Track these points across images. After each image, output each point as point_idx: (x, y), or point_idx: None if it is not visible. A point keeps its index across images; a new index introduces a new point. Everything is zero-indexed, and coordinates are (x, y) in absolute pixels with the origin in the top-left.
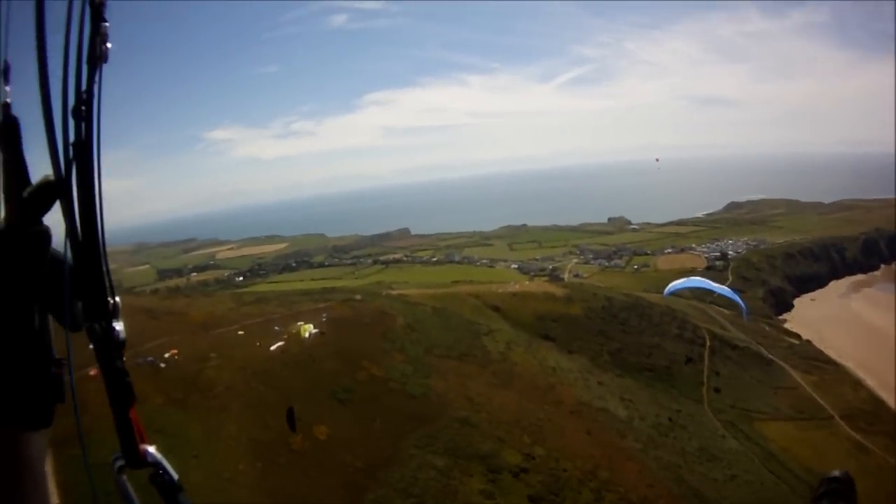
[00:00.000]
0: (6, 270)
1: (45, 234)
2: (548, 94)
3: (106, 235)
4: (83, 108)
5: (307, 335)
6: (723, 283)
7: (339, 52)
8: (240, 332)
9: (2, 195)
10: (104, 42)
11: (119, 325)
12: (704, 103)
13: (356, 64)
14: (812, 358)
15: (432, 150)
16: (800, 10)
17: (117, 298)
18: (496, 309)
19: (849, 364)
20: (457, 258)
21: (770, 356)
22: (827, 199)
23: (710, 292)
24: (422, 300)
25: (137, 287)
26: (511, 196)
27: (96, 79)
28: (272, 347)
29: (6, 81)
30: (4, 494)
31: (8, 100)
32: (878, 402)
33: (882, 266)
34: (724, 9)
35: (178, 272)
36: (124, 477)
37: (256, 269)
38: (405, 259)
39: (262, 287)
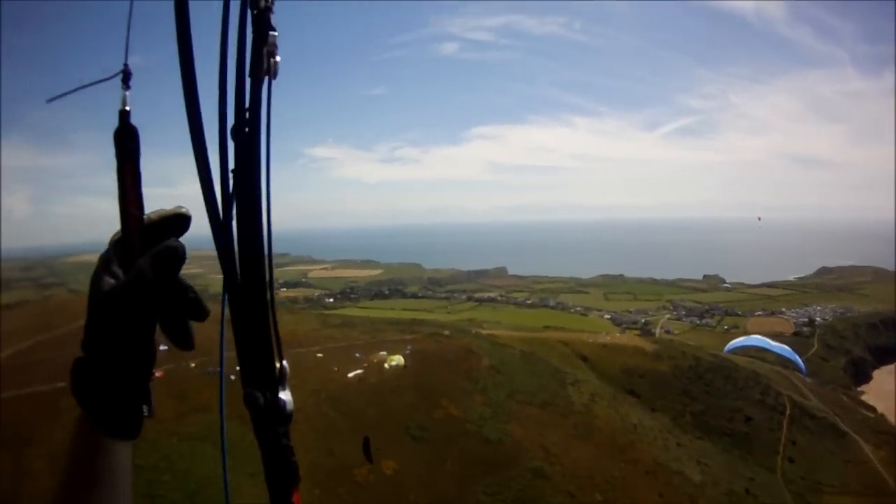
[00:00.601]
0: (124, 284)
1: (175, 251)
2: (651, 142)
3: (192, 239)
4: (246, 129)
5: (388, 366)
6: (808, 350)
7: (449, 82)
8: (319, 355)
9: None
10: (272, 55)
11: (286, 395)
12: (801, 163)
13: (465, 95)
14: (884, 432)
15: (535, 190)
16: (892, 70)
17: (285, 362)
18: (584, 359)
19: None
20: (551, 303)
21: (845, 428)
22: None
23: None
24: (511, 342)
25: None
26: (609, 244)
27: (263, 96)
28: (350, 374)
29: (126, 86)
30: (91, 498)
31: (128, 107)
32: None
33: None
34: (823, 66)
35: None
36: None
37: (348, 293)
38: (500, 299)
39: (350, 311)
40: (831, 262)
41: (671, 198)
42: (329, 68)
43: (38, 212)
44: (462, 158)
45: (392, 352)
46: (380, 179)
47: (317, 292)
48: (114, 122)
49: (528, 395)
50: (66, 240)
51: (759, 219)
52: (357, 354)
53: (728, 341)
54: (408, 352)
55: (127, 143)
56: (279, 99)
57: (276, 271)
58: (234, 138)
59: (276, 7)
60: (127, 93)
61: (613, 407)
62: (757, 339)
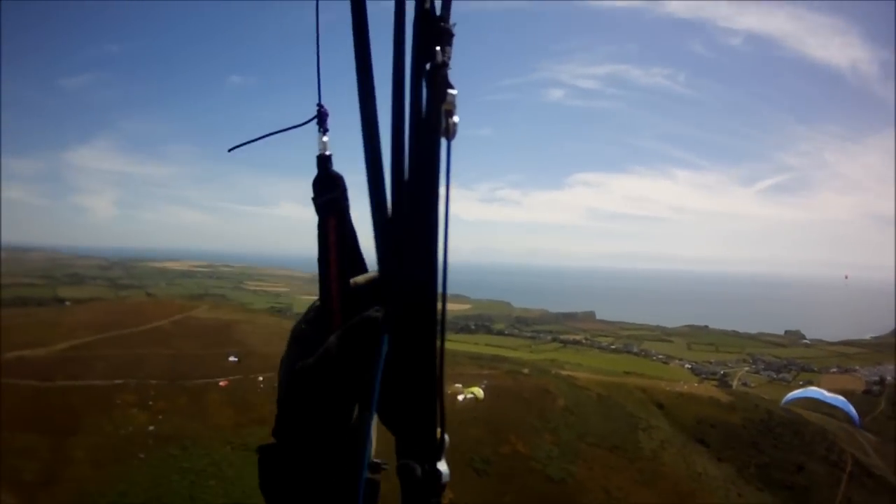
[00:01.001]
0: (310, 364)
1: (376, 322)
2: (748, 198)
3: (284, 258)
4: (419, 187)
5: (461, 399)
6: (876, 409)
7: (553, 127)
8: None
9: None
10: (450, 115)
11: (444, 467)
12: (888, 223)
13: (569, 141)
14: None
15: (631, 238)
16: None
17: (447, 436)
18: (660, 406)
19: None
20: (635, 349)
21: None
22: None
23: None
24: (589, 385)
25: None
26: (697, 295)
27: (443, 156)
28: None
29: (323, 130)
30: None
31: (328, 152)
32: None
33: None
34: None
35: None
36: None
37: None
38: (584, 342)
39: None
40: None
41: (761, 253)
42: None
43: (123, 215)
44: (562, 203)
45: (470, 384)
46: (479, 218)
47: None
48: (207, 136)
49: (598, 438)
50: (150, 244)
51: (847, 277)
52: None
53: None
54: (483, 386)
55: (329, 192)
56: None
57: None
58: (407, 191)
59: None
60: (325, 137)
61: (682, 455)
62: (813, 391)
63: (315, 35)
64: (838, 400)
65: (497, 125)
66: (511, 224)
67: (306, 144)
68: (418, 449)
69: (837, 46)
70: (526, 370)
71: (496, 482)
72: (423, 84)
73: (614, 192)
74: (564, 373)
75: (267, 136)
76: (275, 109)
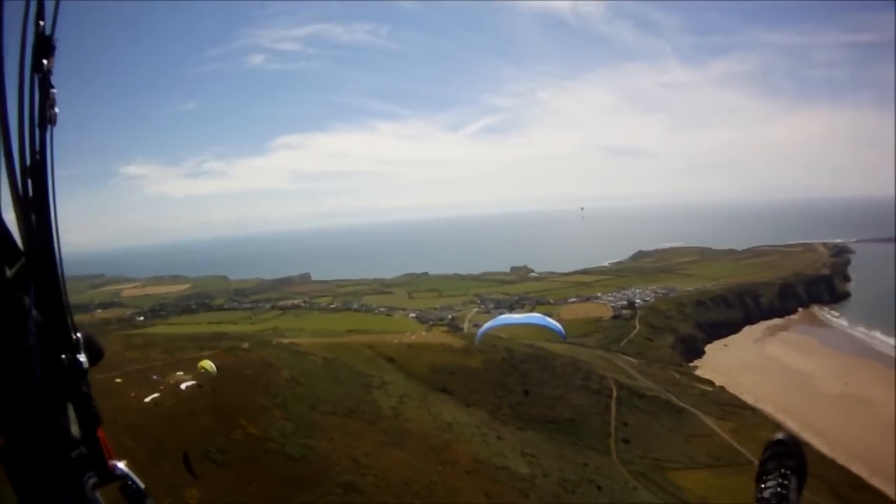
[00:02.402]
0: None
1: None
2: (457, 142)
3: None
4: (38, 170)
5: (184, 387)
6: (630, 332)
7: (254, 93)
8: (118, 380)
9: None
10: (53, 106)
11: (83, 357)
12: (619, 153)
13: (270, 106)
14: (727, 404)
15: (339, 196)
16: (722, 61)
17: (79, 334)
18: (390, 360)
19: (767, 408)
20: (355, 305)
21: (681, 404)
22: (742, 247)
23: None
24: (312, 350)
25: None
26: (414, 244)
27: (48, 141)
28: (147, 399)
29: None
30: None
31: None
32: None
33: (800, 309)
34: (643, 59)
35: (85, 308)
36: (97, 493)
37: (158, 310)
38: (304, 305)
39: (159, 329)
40: (648, 246)
41: (480, 196)
42: (141, 85)
43: None
44: (266, 168)
45: (187, 371)
46: (187, 194)
47: (129, 311)
48: None
49: (331, 405)
50: None
51: (583, 209)
52: (154, 377)
53: (541, 331)
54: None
55: None
56: (91, 122)
57: (92, 292)
58: (30, 177)
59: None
60: None
61: (425, 407)
62: (503, 319)
63: None
64: (533, 317)
65: (201, 98)
66: (219, 196)
67: None
68: (63, 346)
69: None
70: (246, 344)
71: (237, 471)
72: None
73: (316, 152)
74: (286, 341)
75: None
76: None
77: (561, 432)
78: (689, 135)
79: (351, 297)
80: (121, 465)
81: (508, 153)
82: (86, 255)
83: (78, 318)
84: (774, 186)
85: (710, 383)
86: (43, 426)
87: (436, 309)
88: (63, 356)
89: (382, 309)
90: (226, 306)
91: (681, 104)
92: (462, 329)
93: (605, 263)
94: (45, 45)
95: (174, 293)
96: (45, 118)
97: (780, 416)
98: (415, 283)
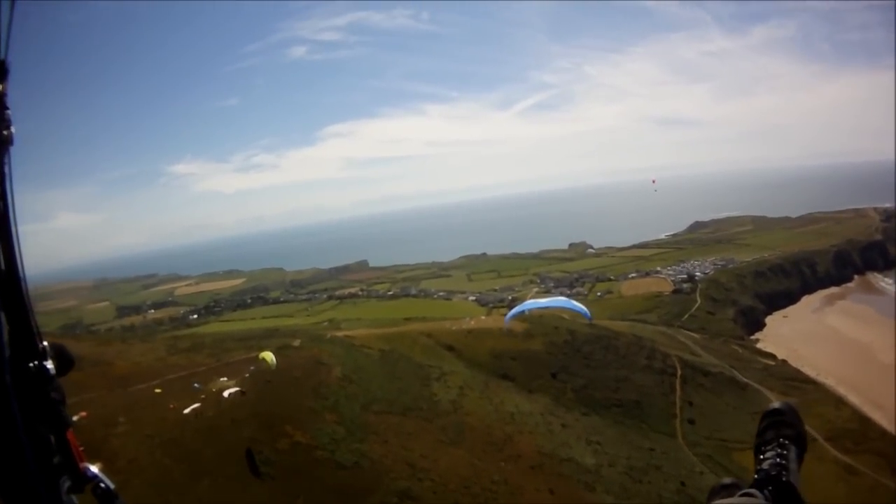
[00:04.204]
0: None
1: None
2: (507, 121)
3: (67, 271)
4: None
5: (227, 394)
6: (692, 306)
7: (299, 85)
8: (157, 390)
9: None
10: (8, 127)
11: (49, 364)
12: (666, 124)
13: (316, 96)
14: (789, 378)
15: (392, 181)
16: (762, 27)
17: (45, 342)
18: (450, 348)
19: (828, 381)
20: (413, 291)
21: (745, 380)
22: (794, 214)
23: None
24: (368, 342)
25: (95, 325)
26: (471, 226)
27: (6, 160)
28: (186, 410)
29: None
30: None
31: None
32: (863, 420)
33: (855, 277)
34: (686, 29)
35: (137, 309)
36: (73, 497)
37: (212, 307)
38: (361, 294)
39: (212, 327)
40: (704, 217)
41: (532, 173)
42: (183, 85)
43: None
44: (318, 158)
45: (232, 376)
46: (238, 189)
47: (182, 309)
48: None
49: (386, 404)
50: None
51: (654, 181)
52: (196, 384)
53: (603, 309)
54: (247, 375)
55: None
56: (137, 123)
57: (145, 293)
58: None
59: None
60: None
61: (486, 397)
62: (528, 304)
63: None
64: (558, 301)
65: (242, 93)
66: (271, 189)
67: (82, 148)
68: (29, 354)
69: None
70: (297, 342)
71: (282, 485)
72: None
73: (367, 138)
74: (341, 333)
75: None
76: None
77: (626, 415)
78: (734, 103)
79: (409, 282)
80: (92, 467)
81: (559, 129)
82: (138, 255)
83: (130, 319)
84: (820, 152)
85: (773, 357)
86: (18, 433)
87: (495, 290)
88: (31, 364)
89: (441, 293)
90: (282, 299)
91: (724, 72)
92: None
93: (662, 236)
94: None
95: (229, 288)
96: (2, 139)
97: (842, 390)
98: (473, 265)
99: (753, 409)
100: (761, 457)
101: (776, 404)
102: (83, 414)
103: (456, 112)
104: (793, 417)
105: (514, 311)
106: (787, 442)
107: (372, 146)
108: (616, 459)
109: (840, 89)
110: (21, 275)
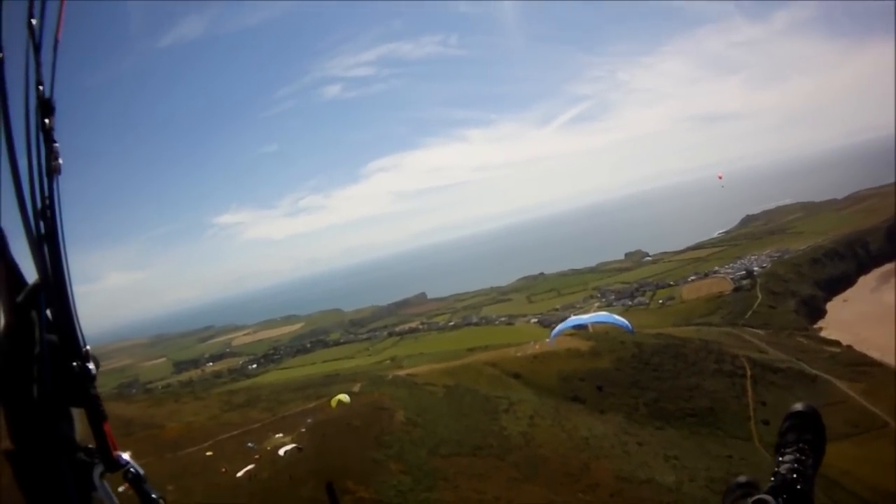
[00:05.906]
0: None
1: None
2: (548, 137)
3: (122, 329)
4: (48, 212)
5: (282, 452)
6: (754, 303)
7: (337, 123)
8: (208, 453)
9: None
10: (56, 158)
11: (91, 365)
12: (706, 121)
13: (356, 132)
14: (856, 363)
15: (442, 210)
16: (784, 12)
17: (88, 347)
18: (516, 376)
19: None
20: (474, 319)
21: (814, 371)
22: (840, 195)
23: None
24: (432, 378)
25: (152, 382)
26: (524, 246)
27: (55, 187)
28: (239, 473)
29: None
30: None
31: None
32: None
33: None
34: (710, 22)
35: (195, 363)
36: (105, 482)
37: (271, 355)
38: (421, 327)
39: (271, 376)
40: (755, 209)
41: (579, 187)
42: (222, 136)
43: None
44: (365, 194)
45: (288, 432)
46: (288, 233)
47: (241, 360)
48: None
49: (454, 445)
50: None
51: (721, 177)
52: (249, 444)
53: (666, 316)
54: (303, 430)
55: None
56: (179, 179)
57: (202, 346)
58: (42, 219)
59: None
60: None
61: (558, 423)
62: (572, 320)
63: None
64: (599, 316)
65: (281, 138)
66: (321, 230)
67: (129, 208)
68: (74, 355)
69: None
70: (357, 387)
71: None
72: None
73: (412, 169)
74: (403, 372)
75: None
76: None
77: (701, 424)
78: (769, 90)
79: (469, 310)
80: (124, 455)
81: (601, 139)
82: (194, 309)
83: (188, 374)
84: (858, 128)
85: (837, 344)
86: (51, 430)
87: (557, 310)
88: (74, 364)
89: (503, 318)
90: (342, 340)
91: (754, 61)
92: (587, 328)
93: (716, 234)
94: (45, 107)
95: (287, 334)
96: (51, 168)
97: None
98: (532, 286)
99: (824, 400)
100: (780, 458)
101: (799, 406)
102: (127, 486)
103: (497, 134)
104: (814, 422)
105: (556, 330)
106: (806, 447)
107: (418, 177)
108: (696, 473)
109: (868, 61)
110: (68, 286)
